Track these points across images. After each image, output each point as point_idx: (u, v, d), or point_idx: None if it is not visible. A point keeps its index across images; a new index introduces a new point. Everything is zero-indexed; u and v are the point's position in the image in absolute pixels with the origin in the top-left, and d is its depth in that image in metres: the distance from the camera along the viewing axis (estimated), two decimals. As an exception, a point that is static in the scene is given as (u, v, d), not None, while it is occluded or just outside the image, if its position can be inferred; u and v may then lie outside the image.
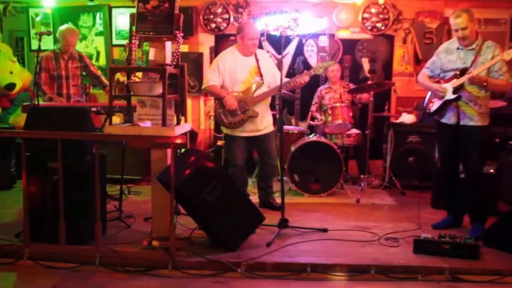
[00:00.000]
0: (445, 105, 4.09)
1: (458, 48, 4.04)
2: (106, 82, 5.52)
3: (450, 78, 4.05)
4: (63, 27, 5.43)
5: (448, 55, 4.10)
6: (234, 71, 4.61)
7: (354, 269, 3.41)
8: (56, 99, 5.20)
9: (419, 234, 3.79)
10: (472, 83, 3.86)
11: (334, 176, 5.42)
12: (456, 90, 3.98)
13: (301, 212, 4.77)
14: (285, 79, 4.67)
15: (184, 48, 6.54)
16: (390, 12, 6.49)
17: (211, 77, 4.65)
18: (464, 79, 3.91)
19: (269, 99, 4.78)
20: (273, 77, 4.66)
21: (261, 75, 4.63)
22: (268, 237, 3.88)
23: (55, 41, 5.54)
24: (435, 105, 4.16)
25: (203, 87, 4.80)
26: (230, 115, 4.60)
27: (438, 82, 4.17)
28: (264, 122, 4.74)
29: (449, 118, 4.11)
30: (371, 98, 5.53)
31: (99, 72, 5.70)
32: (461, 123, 4.02)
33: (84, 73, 5.55)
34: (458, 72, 3.98)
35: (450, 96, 4.02)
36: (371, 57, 6.52)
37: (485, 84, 3.86)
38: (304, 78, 4.60)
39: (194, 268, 3.44)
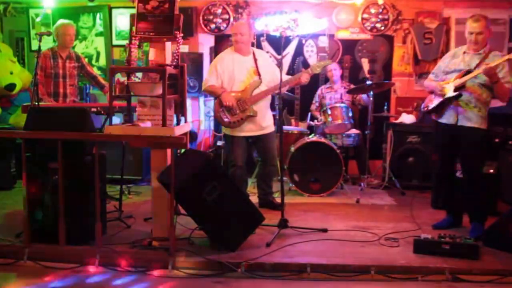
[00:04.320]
0: (445, 104, 4.09)
1: (464, 53, 4.06)
2: (103, 82, 5.53)
3: (453, 79, 4.05)
4: (58, 22, 5.41)
5: (453, 58, 4.13)
6: (232, 72, 4.62)
7: (354, 269, 3.41)
8: (46, 100, 5.19)
9: (419, 234, 3.79)
10: (488, 73, 3.80)
11: (334, 176, 5.42)
12: (457, 89, 3.98)
13: (301, 212, 4.77)
14: (285, 77, 4.68)
15: (184, 48, 6.54)
16: (389, 12, 6.49)
17: (210, 78, 4.66)
18: (467, 77, 3.90)
19: (269, 99, 4.78)
20: (273, 76, 4.66)
21: (259, 75, 4.63)
22: (268, 237, 3.88)
23: (55, 40, 5.54)
24: (434, 103, 4.17)
25: (202, 88, 4.81)
26: (229, 114, 4.61)
27: None
28: (264, 122, 4.74)
29: (448, 118, 4.11)
30: (371, 99, 5.53)
31: (95, 73, 5.70)
32: (459, 123, 4.03)
33: (81, 73, 5.56)
34: (461, 74, 3.98)
35: (451, 93, 4.02)
36: (370, 57, 6.52)
37: (496, 80, 3.83)
38: (302, 77, 4.62)
39: (194, 268, 3.44)
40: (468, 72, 3.95)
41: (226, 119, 4.63)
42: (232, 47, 4.77)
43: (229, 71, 4.63)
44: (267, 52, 6.33)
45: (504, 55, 3.98)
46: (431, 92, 4.25)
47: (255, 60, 4.67)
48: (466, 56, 4.05)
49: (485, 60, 3.93)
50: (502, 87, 3.89)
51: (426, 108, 4.27)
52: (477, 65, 3.94)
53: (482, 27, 3.92)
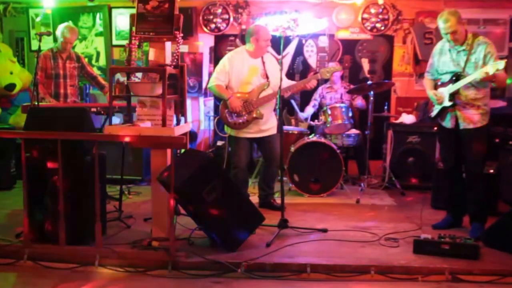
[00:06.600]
0: (444, 110, 4.11)
1: (450, 50, 4.04)
2: (103, 82, 5.54)
3: (447, 83, 4.05)
4: (62, 25, 5.45)
5: (442, 56, 4.11)
6: (240, 72, 4.62)
7: (354, 269, 3.41)
8: (48, 100, 5.19)
9: (419, 235, 3.79)
10: (484, 81, 3.83)
11: (334, 177, 5.42)
12: (451, 96, 3.99)
13: (301, 213, 4.77)
14: (291, 82, 4.75)
15: (184, 48, 6.54)
16: (389, 12, 6.49)
17: (218, 76, 4.65)
18: (459, 85, 3.91)
19: (274, 101, 4.78)
20: (279, 80, 4.65)
21: (267, 77, 4.64)
22: (268, 238, 3.87)
23: (55, 40, 5.56)
24: (435, 110, 4.19)
25: (209, 85, 4.79)
26: (235, 115, 4.61)
27: (436, 85, 4.18)
28: (269, 124, 4.74)
29: (447, 123, 4.12)
30: (371, 98, 5.53)
31: (95, 73, 5.71)
32: (461, 127, 4.02)
33: (81, 74, 5.57)
34: (453, 78, 3.98)
35: (446, 103, 4.04)
36: (371, 57, 6.52)
37: (494, 80, 3.83)
38: (310, 83, 4.67)
39: (194, 268, 3.44)
40: (458, 76, 3.94)
41: (231, 120, 4.64)
42: (244, 47, 4.74)
43: (238, 71, 4.62)
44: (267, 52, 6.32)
45: (487, 41, 3.91)
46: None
47: (263, 63, 4.67)
48: (453, 53, 4.02)
49: (471, 53, 3.90)
50: (500, 77, 3.85)
51: (429, 115, 4.29)
52: (465, 63, 3.91)
53: (454, 25, 3.84)
